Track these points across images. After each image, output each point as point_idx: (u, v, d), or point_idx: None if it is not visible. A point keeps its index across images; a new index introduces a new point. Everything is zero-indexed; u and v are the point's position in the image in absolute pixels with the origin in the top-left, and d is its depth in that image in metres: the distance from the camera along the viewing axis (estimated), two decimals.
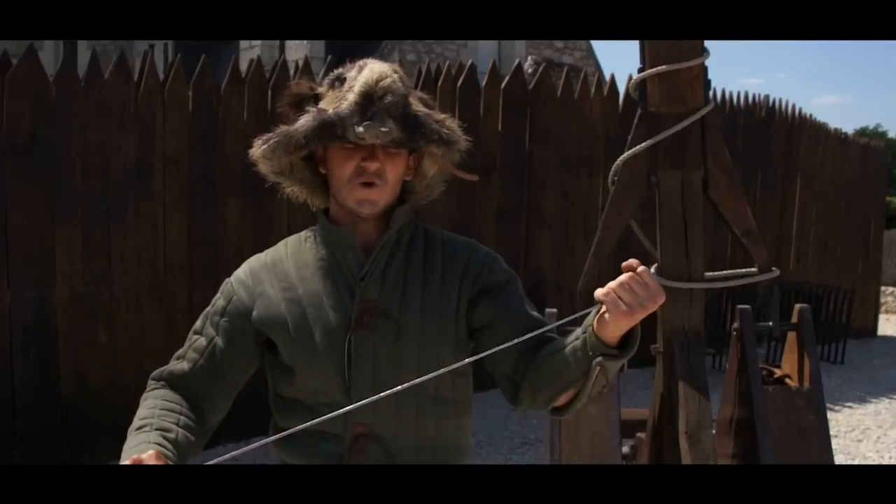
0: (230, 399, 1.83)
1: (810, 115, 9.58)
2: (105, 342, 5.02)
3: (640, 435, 3.36)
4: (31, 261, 4.79)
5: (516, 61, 7.37)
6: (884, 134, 38.06)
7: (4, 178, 4.71)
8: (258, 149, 1.75)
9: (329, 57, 6.29)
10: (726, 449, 3.04)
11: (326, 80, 1.78)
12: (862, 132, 31.94)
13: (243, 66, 5.82)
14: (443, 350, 1.74)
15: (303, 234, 1.84)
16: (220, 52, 15.73)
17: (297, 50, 18.55)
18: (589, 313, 1.60)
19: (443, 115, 1.77)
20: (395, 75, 1.72)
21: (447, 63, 6.89)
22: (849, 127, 47.68)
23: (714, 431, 2.91)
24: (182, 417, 1.73)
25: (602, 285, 1.57)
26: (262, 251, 1.89)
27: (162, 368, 1.82)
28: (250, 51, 18.02)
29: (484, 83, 6.48)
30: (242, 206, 5.38)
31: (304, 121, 1.69)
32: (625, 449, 3.35)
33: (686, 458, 2.66)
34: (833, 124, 10.71)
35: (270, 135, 1.74)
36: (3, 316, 4.75)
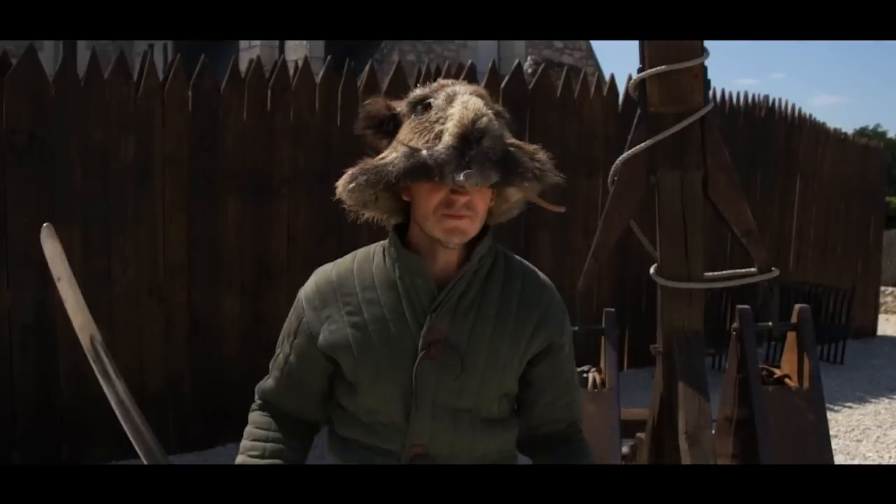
0: (322, 401, 1.86)
1: (810, 115, 9.57)
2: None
3: (640, 435, 3.36)
4: (31, 261, 4.78)
5: (516, 61, 7.36)
6: (883, 134, 38.05)
7: (4, 178, 4.71)
8: (345, 187, 1.69)
9: (329, 57, 6.28)
10: (726, 449, 3.04)
11: (406, 102, 1.74)
12: (862, 132, 31.94)
13: (243, 66, 5.82)
14: (504, 381, 1.78)
15: (373, 248, 1.81)
16: (220, 52, 15.72)
17: (296, 50, 18.55)
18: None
19: (532, 147, 1.75)
20: (490, 112, 1.67)
21: (447, 63, 6.88)
22: (848, 127, 47.61)
23: (714, 431, 2.91)
24: (290, 455, 1.82)
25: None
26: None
27: (261, 383, 1.90)
28: (250, 51, 18.03)
29: (483, 83, 6.47)
30: (242, 206, 5.36)
31: (395, 159, 1.63)
32: (624, 449, 3.35)
33: (686, 458, 2.66)
34: (831, 125, 10.71)
35: (357, 171, 1.68)
36: (3, 316, 4.75)
